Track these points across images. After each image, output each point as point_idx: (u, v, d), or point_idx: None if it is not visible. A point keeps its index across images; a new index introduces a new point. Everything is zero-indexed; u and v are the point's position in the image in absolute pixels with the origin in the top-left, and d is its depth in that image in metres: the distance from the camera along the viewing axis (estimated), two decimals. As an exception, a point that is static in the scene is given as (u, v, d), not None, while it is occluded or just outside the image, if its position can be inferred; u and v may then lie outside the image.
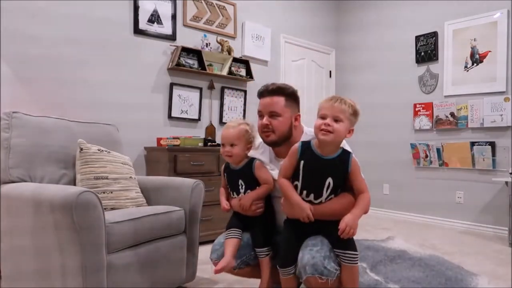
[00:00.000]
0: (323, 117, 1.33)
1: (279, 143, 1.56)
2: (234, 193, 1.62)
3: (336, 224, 1.31)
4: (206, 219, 2.87)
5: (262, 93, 1.60)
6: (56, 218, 1.49)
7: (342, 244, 1.34)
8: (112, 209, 1.89)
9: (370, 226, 3.72)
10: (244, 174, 1.58)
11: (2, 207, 1.82)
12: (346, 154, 1.37)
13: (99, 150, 2.07)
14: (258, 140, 1.66)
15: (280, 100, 1.55)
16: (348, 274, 1.34)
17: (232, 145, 1.56)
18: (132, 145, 2.95)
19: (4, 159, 1.88)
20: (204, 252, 2.63)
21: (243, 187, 1.58)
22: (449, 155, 3.79)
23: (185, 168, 2.82)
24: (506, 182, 3.12)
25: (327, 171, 1.34)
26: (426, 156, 3.97)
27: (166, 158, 2.78)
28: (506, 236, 3.21)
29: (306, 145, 1.39)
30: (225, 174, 1.66)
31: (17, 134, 1.94)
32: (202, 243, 2.57)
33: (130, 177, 2.11)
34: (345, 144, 1.45)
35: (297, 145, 1.41)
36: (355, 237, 1.39)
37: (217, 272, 1.46)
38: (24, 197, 1.67)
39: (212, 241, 2.86)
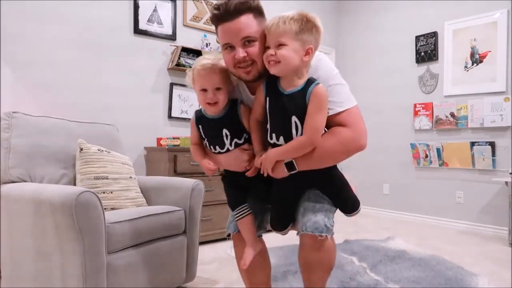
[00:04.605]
0: (268, 47, 1.14)
1: (262, 76, 1.22)
2: (217, 147, 1.32)
3: (329, 181, 1.29)
4: (206, 219, 2.87)
5: (222, 17, 1.16)
6: (56, 218, 1.49)
7: (348, 207, 1.34)
8: (112, 209, 1.89)
9: (370, 226, 3.72)
10: (228, 122, 1.28)
11: (2, 207, 1.82)
12: (309, 83, 1.14)
13: (99, 150, 2.07)
14: None
15: (249, 19, 1.16)
16: None
17: (218, 88, 1.23)
18: (132, 145, 2.95)
19: (4, 159, 1.88)
20: (204, 252, 2.64)
21: (229, 137, 1.29)
22: (449, 155, 3.79)
23: (185, 168, 2.82)
24: (506, 182, 3.12)
25: (290, 108, 1.14)
26: (426, 156, 3.97)
27: (166, 158, 2.78)
28: (506, 236, 3.21)
29: (273, 79, 1.19)
30: (199, 126, 1.35)
31: (17, 134, 1.94)
32: (202, 243, 2.58)
33: (130, 177, 2.11)
34: (333, 79, 1.22)
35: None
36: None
37: (246, 266, 1.32)
38: (24, 197, 1.67)
39: (212, 241, 2.90)
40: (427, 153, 3.96)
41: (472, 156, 3.61)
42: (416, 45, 4.08)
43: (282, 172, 1.22)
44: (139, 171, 2.99)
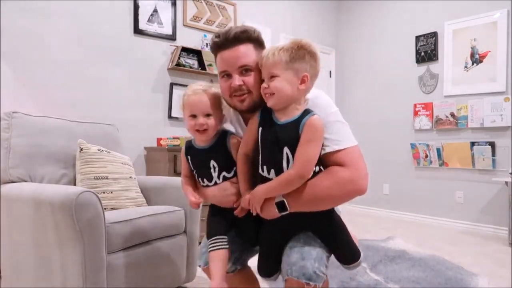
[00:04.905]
0: (263, 80, 1.12)
1: (257, 107, 1.19)
2: (205, 180, 1.25)
3: (326, 222, 1.15)
4: (206, 219, 2.87)
5: (221, 44, 1.17)
6: (56, 218, 1.49)
7: (347, 255, 1.20)
8: (112, 209, 1.89)
9: (370, 226, 3.72)
10: (216, 153, 1.23)
11: (2, 207, 1.82)
12: (304, 114, 1.08)
13: (99, 150, 2.07)
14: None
15: (248, 49, 1.17)
16: None
17: (208, 115, 1.19)
18: (132, 145, 2.95)
19: (4, 159, 1.88)
20: (204, 252, 2.64)
21: (216, 169, 1.22)
22: (449, 155, 3.79)
23: (185, 168, 2.82)
24: (506, 182, 3.12)
25: (283, 139, 1.08)
26: (426, 156, 3.97)
27: (166, 158, 2.78)
28: (506, 236, 3.21)
29: (268, 108, 1.14)
30: (189, 158, 1.28)
31: (17, 134, 1.94)
32: (202, 243, 2.57)
33: (130, 177, 2.11)
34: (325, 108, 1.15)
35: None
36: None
37: None
38: (24, 197, 1.67)
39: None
40: (427, 153, 3.96)
41: (472, 156, 3.61)
42: (416, 45, 4.08)
43: (272, 212, 1.12)
44: (139, 171, 2.99)
